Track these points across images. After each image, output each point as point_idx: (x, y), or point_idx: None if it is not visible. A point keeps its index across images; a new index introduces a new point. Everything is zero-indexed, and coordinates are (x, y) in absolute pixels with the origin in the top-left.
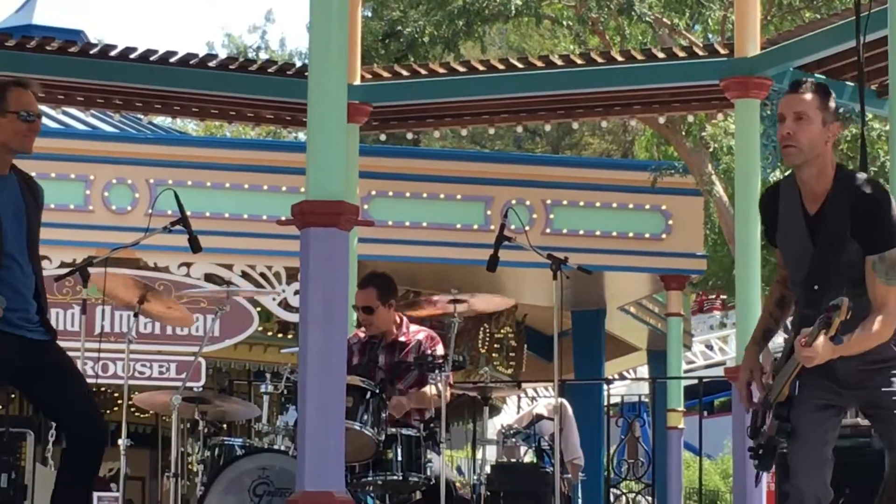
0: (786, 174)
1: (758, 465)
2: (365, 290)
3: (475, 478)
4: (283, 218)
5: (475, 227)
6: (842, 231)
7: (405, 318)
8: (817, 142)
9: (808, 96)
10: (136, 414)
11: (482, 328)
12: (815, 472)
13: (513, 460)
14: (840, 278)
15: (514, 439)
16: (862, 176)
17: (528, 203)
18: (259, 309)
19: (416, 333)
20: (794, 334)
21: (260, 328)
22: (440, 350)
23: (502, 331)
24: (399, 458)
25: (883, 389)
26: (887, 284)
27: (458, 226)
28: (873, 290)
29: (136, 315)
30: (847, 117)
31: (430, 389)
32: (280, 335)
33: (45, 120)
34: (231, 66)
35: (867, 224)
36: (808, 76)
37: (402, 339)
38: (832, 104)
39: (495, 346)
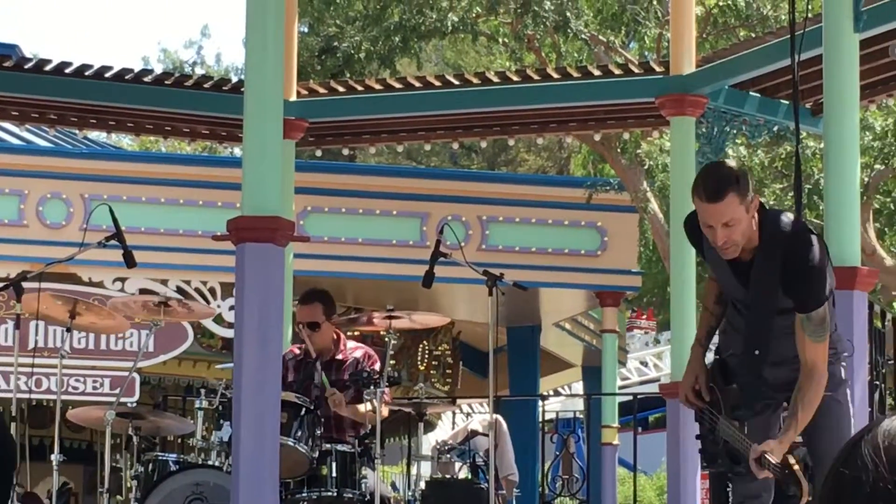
0: None
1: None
2: (310, 306)
3: (410, 494)
4: (219, 233)
5: (411, 242)
6: (774, 288)
7: (342, 336)
8: (748, 228)
9: (728, 200)
10: (72, 429)
11: (421, 345)
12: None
13: (448, 476)
14: (774, 326)
15: (448, 455)
16: (788, 223)
17: (463, 219)
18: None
19: (354, 350)
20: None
21: (205, 344)
22: (377, 367)
23: (440, 348)
24: (334, 475)
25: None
26: (815, 342)
27: (394, 242)
28: (802, 347)
29: (68, 330)
30: (782, 135)
31: (363, 406)
32: (225, 350)
33: None
34: (167, 82)
35: (798, 285)
36: (744, 94)
37: (339, 356)
38: (746, 183)
39: (433, 363)
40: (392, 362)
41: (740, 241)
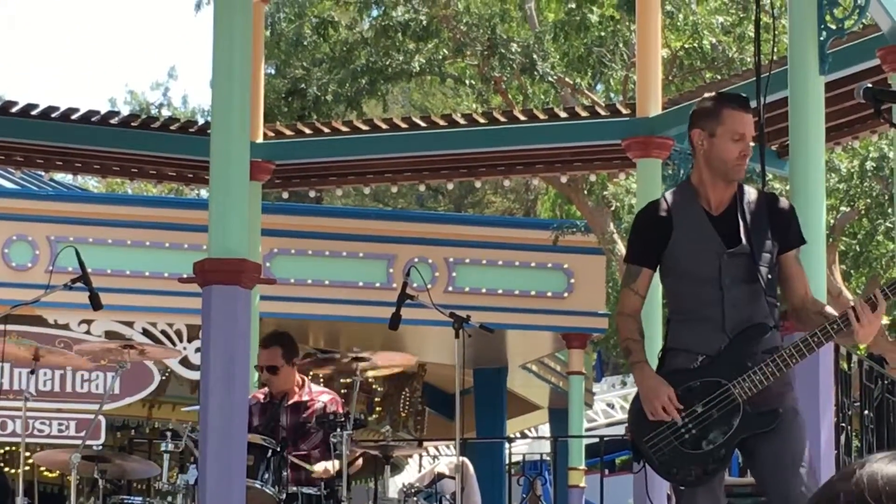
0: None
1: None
2: (269, 350)
3: None
4: (185, 275)
5: (377, 284)
6: (764, 232)
7: (307, 379)
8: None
9: (748, 115)
10: (45, 472)
11: (402, 393)
12: None
13: None
14: (751, 274)
15: (415, 498)
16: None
17: (430, 261)
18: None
19: (320, 395)
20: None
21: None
22: (341, 412)
23: (415, 395)
24: None
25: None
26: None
27: (361, 283)
28: (803, 280)
29: (32, 372)
30: (748, 177)
31: (331, 466)
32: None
33: None
34: (133, 124)
35: (793, 218)
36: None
37: (305, 398)
38: None
39: (410, 409)
40: (378, 409)
41: (747, 159)
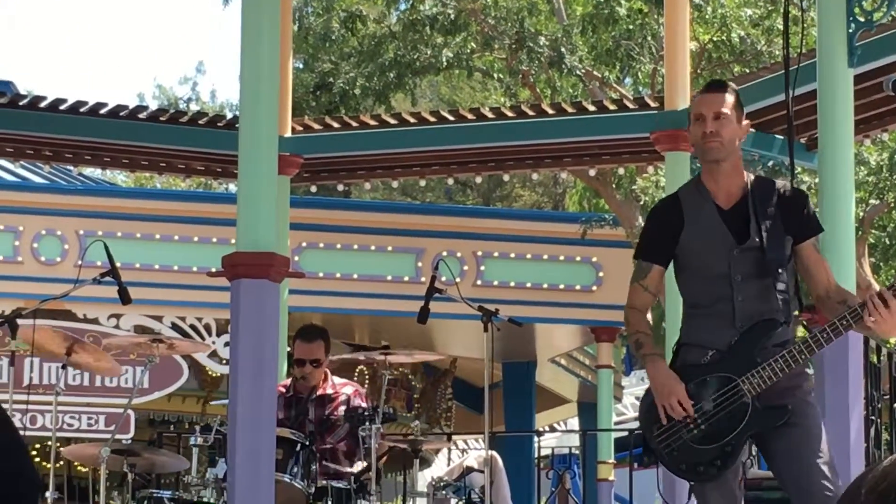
0: (685, 184)
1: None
2: (314, 344)
3: None
4: (214, 269)
5: (406, 278)
6: (776, 225)
7: (329, 372)
8: (735, 138)
9: (725, 95)
10: (77, 466)
11: (439, 389)
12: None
13: None
14: (762, 269)
15: (444, 492)
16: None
17: (458, 255)
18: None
19: (343, 387)
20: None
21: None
22: (365, 404)
23: (447, 390)
24: None
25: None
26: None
27: (389, 277)
28: (825, 268)
29: (63, 367)
30: (777, 170)
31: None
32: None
33: None
34: (161, 118)
35: (807, 207)
36: None
37: (329, 391)
38: (742, 105)
39: (444, 405)
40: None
41: (726, 140)
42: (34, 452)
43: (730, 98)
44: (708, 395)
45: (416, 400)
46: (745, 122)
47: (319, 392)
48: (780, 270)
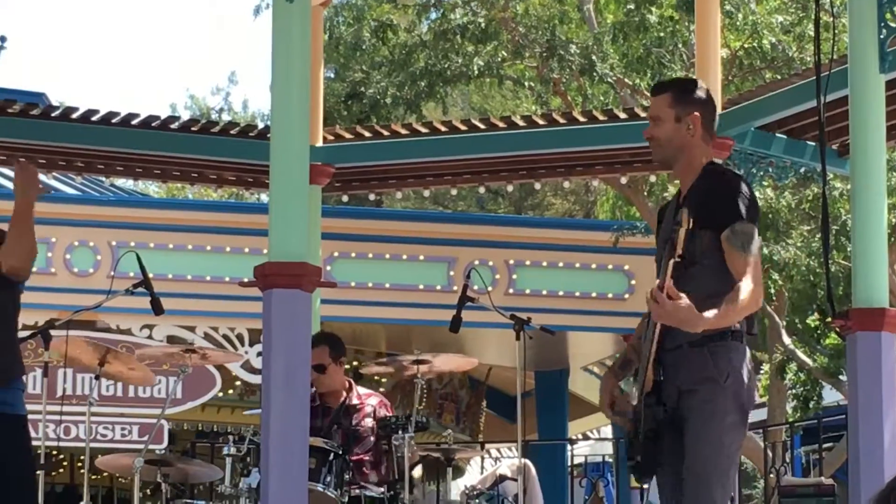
0: None
1: (639, 474)
2: (316, 349)
3: None
4: (246, 279)
5: (438, 287)
6: (695, 221)
7: (353, 383)
8: (673, 138)
9: (660, 97)
10: (94, 476)
11: (481, 402)
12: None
13: None
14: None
15: (477, 500)
16: (723, 168)
17: (490, 263)
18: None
19: (368, 398)
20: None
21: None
22: (390, 414)
23: (482, 400)
24: None
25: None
26: (746, 255)
27: (421, 286)
28: (733, 264)
29: (97, 377)
30: (809, 177)
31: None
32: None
33: (5, 182)
34: (193, 128)
35: (714, 202)
36: (771, 136)
37: (354, 401)
38: (689, 96)
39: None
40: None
41: (662, 141)
42: (67, 463)
43: (666, 98)
44: (633, 390)
45: (463, 413)
46: (692, 115)
47: (344, 402)
48: (695, 265)
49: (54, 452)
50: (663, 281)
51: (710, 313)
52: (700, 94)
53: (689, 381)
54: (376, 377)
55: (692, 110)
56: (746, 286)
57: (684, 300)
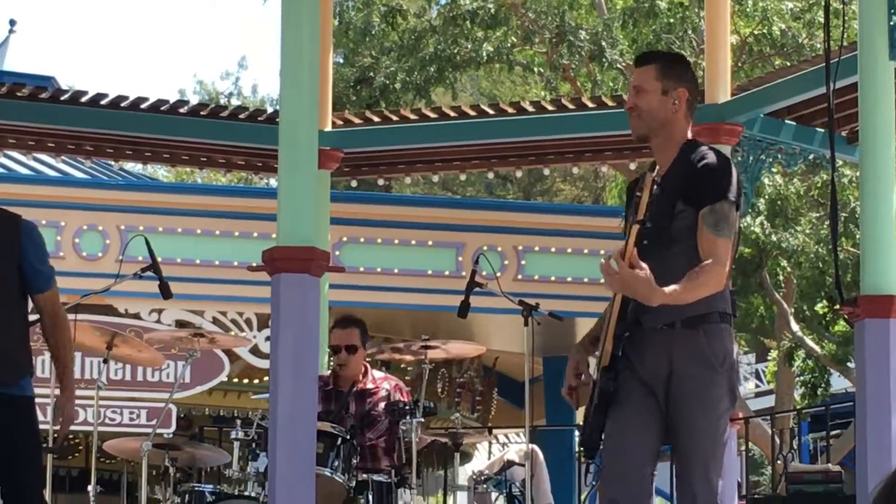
0: None
1: (587, 451)
2: (348, 330)
3: None
4: (255, 264)
5: (446, 273)
6: (674, 198)
7: (368, 367)
8: (657, 110)
9: (645, 68)
10: (103, 460)
11: (493, 390)
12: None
13: None
14: (652, 245)
15: (485, 486)
16: (706, 146)
17: (499, 249)
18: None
19: (382, 381)
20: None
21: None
22: (406, 399)
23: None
24: None
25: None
26: (716, 236)
27: (430, 272)
28: (701, 242)
29: (105, 361)
30: (818, 164)
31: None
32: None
33: (15, 166)
34: (202, 113)
35: (697, 180)
36: (780, 123)
37: (369, 385)
38: (677, 71)
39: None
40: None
41: (644, 113)
42: (83, 448)
43: (652, 69)
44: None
45: (478, 402)
46: (678, 90)
47: (359, 386)
48: (671, 241)
49: (70, 437)
50: (624, 247)
51: (668, 288)
52: (689, 71)
53: (682, 364)
54: (402, 365)
55: (680, 86)
56: (710, 266)
57: (644, 271)
